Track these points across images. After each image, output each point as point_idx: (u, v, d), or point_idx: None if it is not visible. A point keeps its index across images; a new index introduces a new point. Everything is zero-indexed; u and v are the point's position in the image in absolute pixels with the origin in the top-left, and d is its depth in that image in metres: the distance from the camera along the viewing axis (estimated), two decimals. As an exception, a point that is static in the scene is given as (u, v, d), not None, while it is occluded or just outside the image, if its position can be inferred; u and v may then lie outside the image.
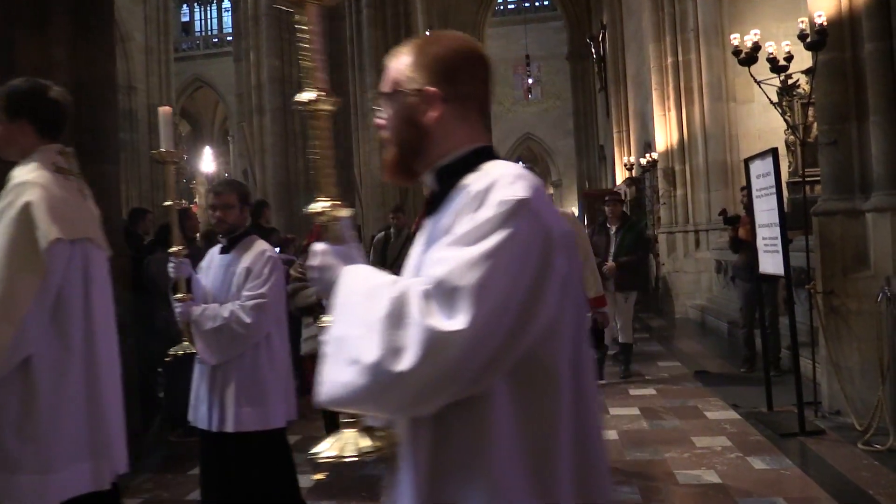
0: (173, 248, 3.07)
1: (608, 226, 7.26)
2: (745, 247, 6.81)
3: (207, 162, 26.71)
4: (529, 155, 36.42)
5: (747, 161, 5.55)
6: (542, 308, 1.06)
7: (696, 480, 4.14)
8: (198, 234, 6.47)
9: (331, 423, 4.81)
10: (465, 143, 1.25)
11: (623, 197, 8.79)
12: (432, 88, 1.23)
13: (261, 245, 3.19)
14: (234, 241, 3.20)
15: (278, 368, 3.16)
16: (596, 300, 4.92)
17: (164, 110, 3.14)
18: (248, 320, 2.99)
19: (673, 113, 12.02)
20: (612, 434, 5.16)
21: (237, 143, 18.84)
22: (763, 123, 10.94)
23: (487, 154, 1.25)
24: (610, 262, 6.96)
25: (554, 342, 1.10)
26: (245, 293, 3.05)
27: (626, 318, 7.17)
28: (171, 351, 3.09)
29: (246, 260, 3.12)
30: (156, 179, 22.45)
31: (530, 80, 33.33)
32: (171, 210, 3.12)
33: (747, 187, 5.58)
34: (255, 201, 7.23)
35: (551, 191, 31.92)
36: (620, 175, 18.54)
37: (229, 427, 3.04)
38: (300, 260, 4.80)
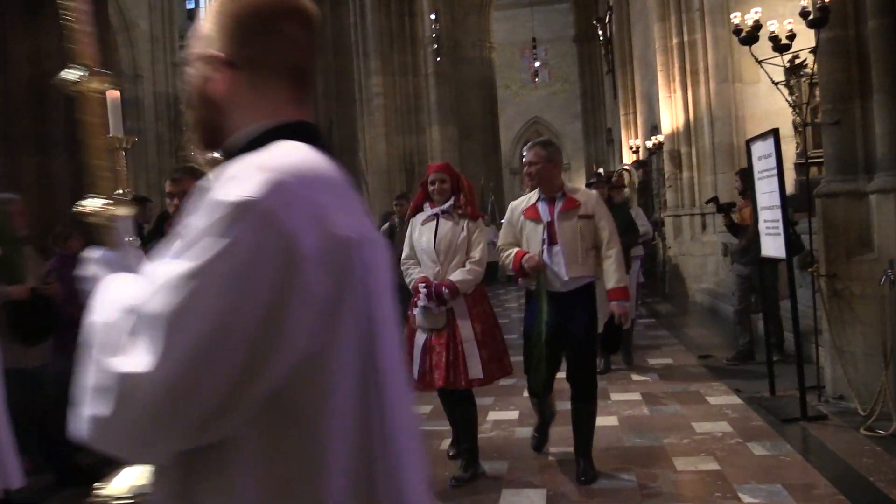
0: None
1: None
2: (743, 231, 6.69)
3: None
4: (537, 138, 36.16)
5: (749, 142, 5.46)
6: (284, 342, 0.82)
7: (695, 467, 4.10)
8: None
9: None
10: (261, 117, 1.00)
11: (618, 179, 8.40)
12: (216, 52, 1.01)
13: None
14: None
15: None
16: (615, 291, 4.01)
17: (111, 94, 3.08)
18: None
19: (679, 94, 11.87)
20: (612, 420, 5.13)
21: (242, 131, 18.75)
22: (770, 104, 10.75)
23: (290, 132, 0.99)
24: None
25: (318, 378, 0.86)
26: None
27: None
28: None
29: None
30: (163, 167, 22.53)
31: (537, 64, 33.04)
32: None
33: (749, 169, 5.49)
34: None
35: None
36: (627, 158, 18.38)
37: None
38: None
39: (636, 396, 5.74)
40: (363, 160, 17.29)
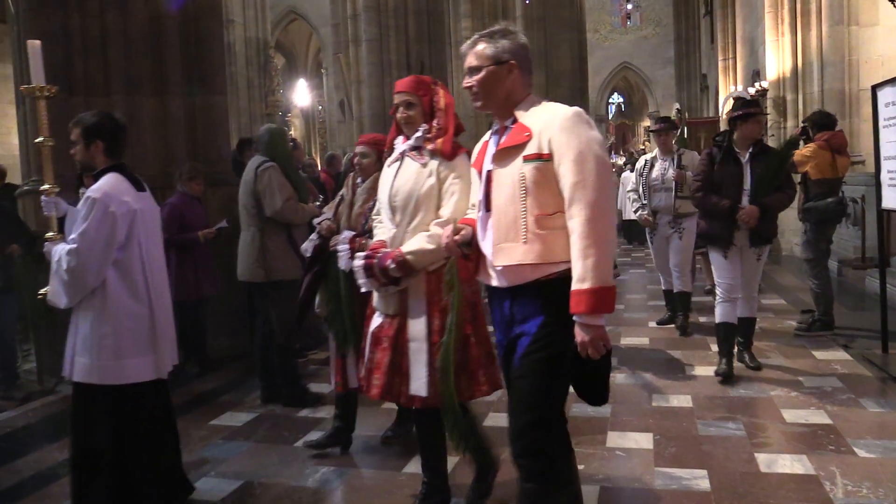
0: (45, 186, 3.08)
1: (736, 151, 4.91)
2: (814, 185, 5.95)
3: (302, 95, 27.14)
4: (626, 85, 35.21)
5: (875, 88, 5.15)
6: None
7: (805, 420, 4.03)
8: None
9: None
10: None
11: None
12: None
13: (93, 187, 3.04)
14: (97, 180, 3.09)
15: (121, 319, 3.00)
16: (578, 297, 2.21)
17: (32, 44, 3.16)
18: (65, 265, 2.93)
19: (787, 38, 11.25)
20: (712, 370, 5.06)
21: (332, 75, 18.98)
22: (889, 48, 10.12)
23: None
24: (747, 205, 4.75)
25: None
26: (70, 236, 3.01)
27: (750, 278, 5.01)
28: (40, 293, 3.12)
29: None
30: (253, 112, 23.05)
31: (629, 6, 31.89)
32: (43, 147, 3.10)
33: (873, 116, 5.19)
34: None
35: (647, 122, 30.74)
36: (726, 106, 17.66)
37: (73, 376, 3.06)
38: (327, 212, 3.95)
39: (736, 347, 5.63)
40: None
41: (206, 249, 5.58)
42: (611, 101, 35.82)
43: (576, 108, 2.27)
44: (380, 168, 3.29)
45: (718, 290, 4.99)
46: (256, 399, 4.86)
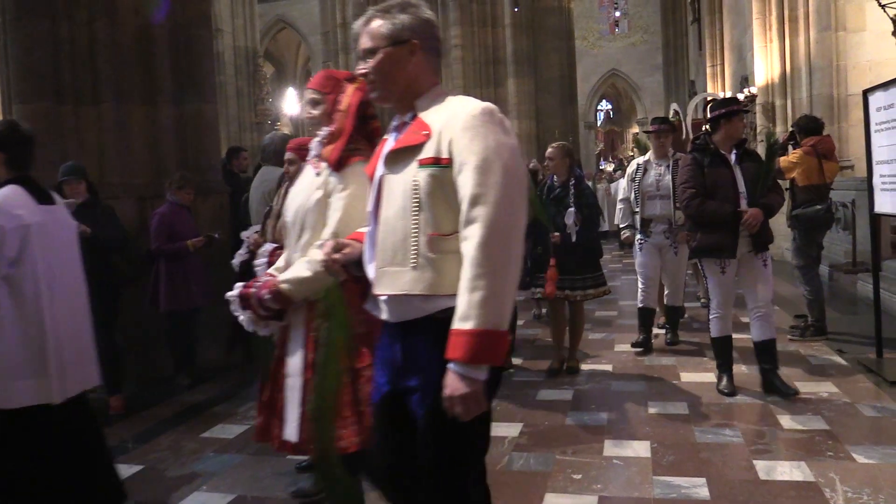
0: None
1: (724, 154, 4.58)
2: (801, 191, 5.92)
3: (291, 103, 27.09)
4: (614, 92, 35.34)
5: (867, 92, 5.17)
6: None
7: (802, 425, 4.01)
8: None
9: None
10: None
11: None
12: None
13: None
14: None
15: (7, 338, 2.76)
16: (457, 338, 1.59)
17: None
18: None
19: (775, 44, 11.32)
20: (709, 376, 5.04)
21: (321, 84, 18.93)
22: (876, 54, 10.17)
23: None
24: (748, 208, 4.44)
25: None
26: None
27: (763, 290, 4.75)
28: None
29: None
30: (243, 121, 22.98)
31: (617, 13, 32.07)
32: None
33: (865, 121, 5.21)
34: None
35: (636, 129, 30.87)
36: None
37: None
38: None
39: (734, 353, 5.61)
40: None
41: (198, 259, 5.52)
42: (599, 107, 35.95)
43: (486, 105, 1.83)
44: None
45: (713, 304, 4.70)
46: (250, 410, 4.80)
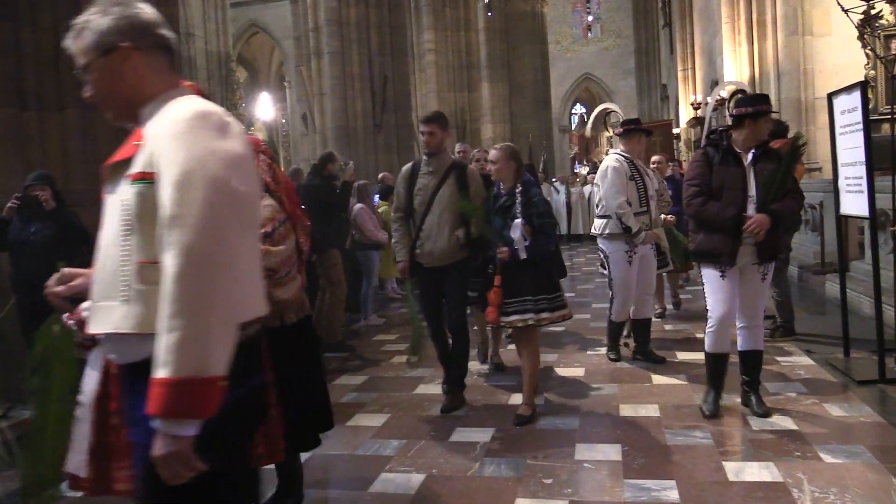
0: None
1: (737, 151, 4.12)
2: None
3: (265, 108, 26.92)
4: (588, 96, 35.57)
5: (831, 96, 5.24)
6: None
7: (770, 426, 4.04)
8: None
9: None
10: None
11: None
12: None
13: None
14: None
15: None
16: (155, 396, 1.40)
17: None
18: None
19: (744, 48, 11.49)
20: (680, 378, 5.09)
21: (295, 88, 18.84)
22: (841, 58, 10.36)
23: None
24: (754, 213, 3.99)
25: None
26: None
27: (754, 303, 4.26)
28: None
29: None
30: (216, 126, 22.73)
31: (590, 18, 32.32)
32: None
33: (830, 124, 5.28)
34: None
35: (609, 133, 31.12)
36: (686, 115, 17.95)
37: None
38: None
39: (702, 356, 5.66)
40: (415, 118, 17.20)
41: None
42: (573, 111, 36.18)
43: (202, 107, 1.59)
44: None
45: (710, 317, 4.27)
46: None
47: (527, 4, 22.33)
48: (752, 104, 4.10)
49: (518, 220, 4.31)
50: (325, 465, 3.91)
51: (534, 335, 4.48)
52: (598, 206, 5.79)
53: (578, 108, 36.82)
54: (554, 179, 18.96)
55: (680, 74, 19.26)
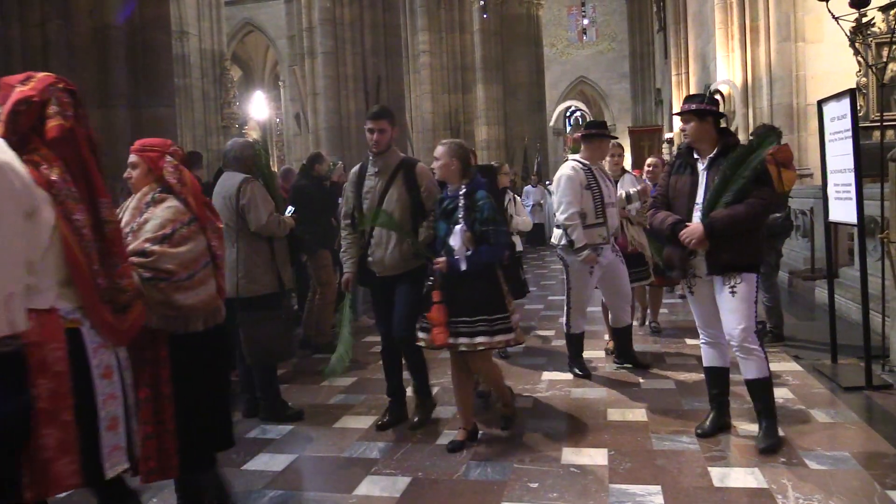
0: None
1: (694, 158, 3.95)
2: None
3: (259, 107, 26.88)
4: (583, 99, 35.60)
5: (821, 103, 5.26)
6: None
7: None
8: None
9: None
10: None
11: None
12: None
13: None
14: None
15: None
16: None
17: None
18: None
19: (737, 53, 11.49)
20: (668, 383, 5.09)
21: (289, 88, 18.82)
22: (833, 65, 10.38)
23: None
24: (693, 222, 3.80)
25: None
26: None
27: (729, 320, 3.86)
28: None
29: None
30: (209, 125, 22.72)
31: (585, 22, 32.40)
32: None
33: (820, 131, 5.29)
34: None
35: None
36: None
37: None
38: None
39: (692, 361, 5.67)
40: (409, 120, 17.18)
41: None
42: (568, 114, 36.24)
43: None
44: (152, 182, 2.92)
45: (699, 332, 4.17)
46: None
47: (522, 7, 22.35)
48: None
49: (459, 226, 3.88)
50: (311, 467, 3.89)
51: (479, 359, 4.02)
52: (556, 215, 5.47)
53: (576, 105, 36.90)
54: (548, 182, 18.97)
55: (674, 79, 19.28)
